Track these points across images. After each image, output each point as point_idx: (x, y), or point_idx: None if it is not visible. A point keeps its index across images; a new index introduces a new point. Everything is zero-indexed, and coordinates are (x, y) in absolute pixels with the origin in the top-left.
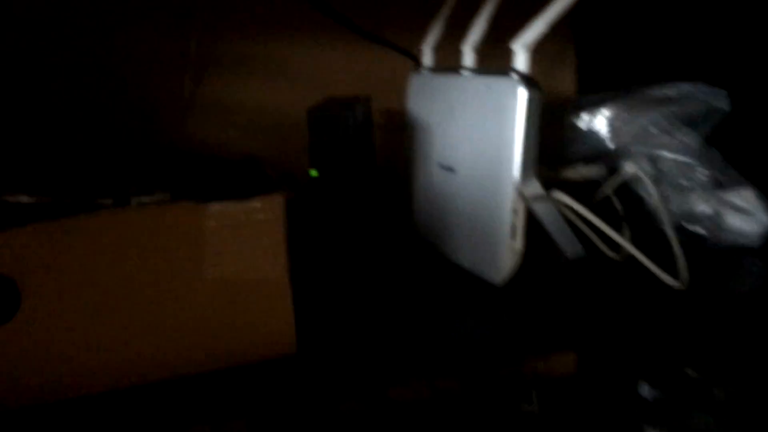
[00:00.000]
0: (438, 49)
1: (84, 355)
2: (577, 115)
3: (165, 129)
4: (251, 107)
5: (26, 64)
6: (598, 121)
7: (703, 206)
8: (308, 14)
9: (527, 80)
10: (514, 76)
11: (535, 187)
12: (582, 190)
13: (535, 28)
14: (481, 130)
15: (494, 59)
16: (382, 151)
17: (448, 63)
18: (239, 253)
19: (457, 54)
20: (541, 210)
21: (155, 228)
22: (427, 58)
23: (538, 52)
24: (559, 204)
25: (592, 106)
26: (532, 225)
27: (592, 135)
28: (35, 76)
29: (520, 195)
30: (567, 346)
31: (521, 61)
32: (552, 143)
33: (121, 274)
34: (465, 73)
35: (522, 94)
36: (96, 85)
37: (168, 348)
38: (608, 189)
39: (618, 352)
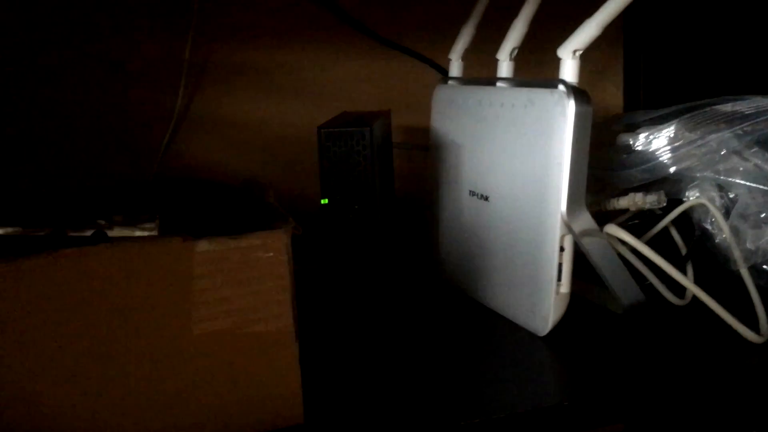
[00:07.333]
0: (468, 59)
1: (48, 424)
2: (631, 135)
3: (151, 146)
4: (253, 123)
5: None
6: (657, 142)
7: None
8: (321, 19)
9: (577, 92)
10: (562, 88)
11: (585, 220)
12: (636, 224)
13: (587, 31)
14: (521, 152)
15: (528, 71)
16: (403, 176)
17: (479, 74)
18: (235, 302)
19: (489, 64)
20: (593, 247)
21: (131, 270)
22: (456, 68)
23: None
24: (613, 240)
25: (649, 123)
26: (582, 265)
27: (648, 157)
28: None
29: (568, 229)
30: (617, 418)
31: (570, 69)
32: (599, 167)
33: (89, 331)
34: (501, 84)
35: (571, 109)
36: (74, 93)
37: (147, 420)
38: (668, 222)
39: (678, 423)
